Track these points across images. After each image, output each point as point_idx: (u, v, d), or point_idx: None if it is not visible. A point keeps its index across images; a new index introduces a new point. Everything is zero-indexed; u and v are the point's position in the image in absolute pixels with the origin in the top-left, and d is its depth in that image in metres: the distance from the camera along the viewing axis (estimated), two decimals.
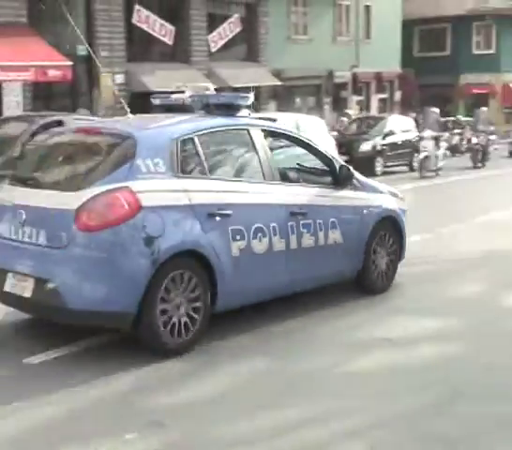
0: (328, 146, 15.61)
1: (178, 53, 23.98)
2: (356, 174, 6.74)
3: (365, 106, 32.03)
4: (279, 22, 26.81)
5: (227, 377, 4.91)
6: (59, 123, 9.31)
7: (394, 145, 20.75)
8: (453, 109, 39.95)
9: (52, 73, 17.68)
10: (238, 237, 5.49)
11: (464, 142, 25.98)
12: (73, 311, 4.91)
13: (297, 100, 28.51)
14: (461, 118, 26.51)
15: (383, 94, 33.35)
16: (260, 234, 5.65)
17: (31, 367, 5.01)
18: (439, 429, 4.11)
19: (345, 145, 19.53)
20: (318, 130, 16.11)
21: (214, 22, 24.74)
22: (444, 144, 20.81)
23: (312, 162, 6.78)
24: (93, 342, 5.48)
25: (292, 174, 6.60)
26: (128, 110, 6.55)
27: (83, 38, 17.29)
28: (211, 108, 6.10)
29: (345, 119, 25.08)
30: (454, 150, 26.02)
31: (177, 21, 23.51)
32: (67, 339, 5.48)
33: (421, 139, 19.95)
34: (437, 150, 19.74)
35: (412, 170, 20.81)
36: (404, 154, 21.06)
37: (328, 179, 6.61)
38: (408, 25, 35.95)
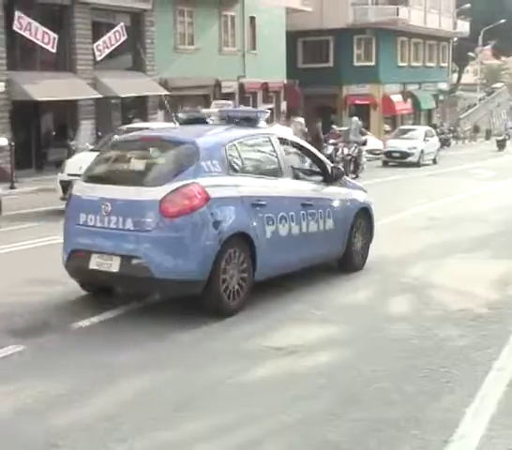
0: None
1: (62, 62, 23.56)
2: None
3: None
4: (166, 32, 26.83)
5: (120, 394, 4.90)
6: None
7: None
8: (337, 119, 41.13)
9: None
10: (270, 223, 7.05)
11: (339, 153, 25.36)
12: (158, 281, 6.29)
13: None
14: (337, 128, 27.12)
15: (269, 104, 33.92)
16: (283, 221, 7.23)
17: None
18: (333, 437, 4.24)
19: None
20: None
21: (99, 30, 24.46)
22: None
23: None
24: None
25: (298, 172, 7.93)
26: None
27: None
28: (233, 120, 7.66)
29: None
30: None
31: (61, 29, 23.10)
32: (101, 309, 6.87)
33: None
34: None
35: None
36: None
37: (319, 177, 8.14)
38: (292, 37, 36.76)
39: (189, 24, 28.18)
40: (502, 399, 4.82)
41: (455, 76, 64.96)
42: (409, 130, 31.77)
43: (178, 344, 5.96)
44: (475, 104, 62.75)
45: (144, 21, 26.00)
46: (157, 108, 26.28)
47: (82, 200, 6.81)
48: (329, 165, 8.28)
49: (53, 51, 22.65)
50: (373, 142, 31.23)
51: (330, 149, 26.55)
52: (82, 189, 6.91)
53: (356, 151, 22.56)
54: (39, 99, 21.51)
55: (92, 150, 15.95)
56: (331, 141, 26.26)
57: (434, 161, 30.40)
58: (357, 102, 41.20)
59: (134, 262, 6.35)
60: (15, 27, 21.64)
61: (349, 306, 7.26)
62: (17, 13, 21.65)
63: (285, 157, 7.60)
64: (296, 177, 7.76)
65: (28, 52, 22.65)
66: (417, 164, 28.57)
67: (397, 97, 43.38)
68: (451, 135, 48.35)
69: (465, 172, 26.02)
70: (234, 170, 6.90)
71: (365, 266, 8.86)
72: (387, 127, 41.16)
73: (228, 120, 7.69)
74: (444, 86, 53.55)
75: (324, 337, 6.19)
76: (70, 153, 20.14)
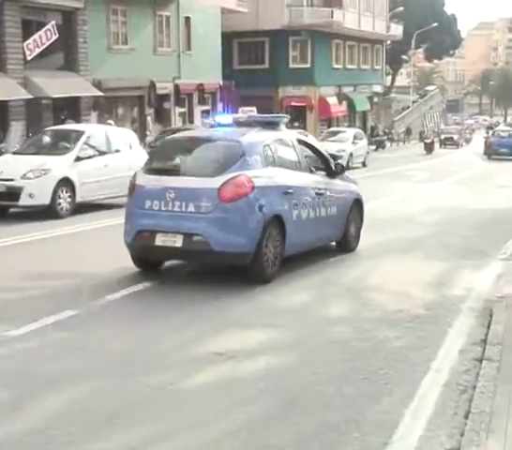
0: (140, 158, 15.47)
1: None
2: None
3: (187, 117, 32.36)
4: (99, 32, 26.51)
5: (50, 406, 4.81)
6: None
7: None
8: None
9: None
10: (295, 208, 8.70)
11: None
12: (216, 253, 7.85)
13: (120, 111, 28.31)
14: None
15: (205, 106, 33.86)
16: (304, 206, 8.90)
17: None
18: (275, 441, 4.26)
19: None
20: (128, 142, 16.01)
21: (29, 29, 23.99)
22: None
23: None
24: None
25: (311, 167, 9.54)
26: None
27: None
28: (256, 124, 9.32)
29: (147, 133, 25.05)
30: None
31: None
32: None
33: None
34: None
35: None
36: None
37: (323, 172, 9.77)
38: (228, 38, 36.78)
39: (123, 24, 27.93)
40: (438, 400, 4.93)
41: (389, 78, 66.13)
42: (337, 133, 31.70)
43: (115, 352, 5.90)
44: (409, 107, 63.99)
45: (77, 19, 25.62)
46: (90, 109, 25.94)
47: (147, 189, 8.23)
48: (332, 162, 10.05)
49: None
50: None
51: None
52: (145, 180, 8.33)
53: None
54: None
55: (15, 153, 15.62)
56: None
57: (364, 164, 30.42)
58: (294, 104, 41.49)
59: (195, 238, 7.92)
60: None
61: (288, 309, 7.31)
62: None
63: (302, 154, 9.40)
64: (310, 171, 9.51)
65: None
66: (347, 167, 28.84)
67: (332, 100, 43.86)
68: (386, 137, 49.16)
69: (400, 173, 26.50)
70: (269, 163, 8.55)
71: (301, 269, 9.00)
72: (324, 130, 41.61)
73: (255, 124, 9.38)
74: (378, 89, 54.44)
75: (265, 341, 6.23)
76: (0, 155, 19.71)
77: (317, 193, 9.26)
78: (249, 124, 9.37)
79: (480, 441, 4.13)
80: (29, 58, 23.88)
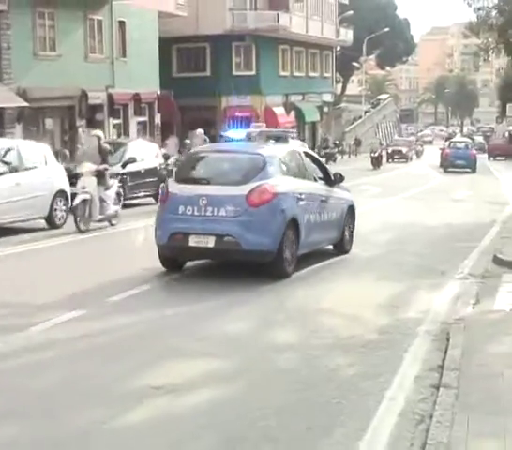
0: (57, 173, 15.26)
1: None
2: None
3: (123, 130, 32.23)
4: (24, 36, 26.27)
5: None
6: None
7: (136, 174, 19.82)
8: (217, 133, 41.43)
9: None
10: (306, 212, 10.50)
11: None
12: (245, 251, 9.60)
13: (47, 124, 28.04)
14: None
15: (142, 117, 33.80)
16: (312, 211, 10.73)
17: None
18: None
19: (77, 176, 18.59)
20: (43, 157, 15.52)
21: None
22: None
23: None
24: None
25: (315, 176, 11.51)
26: None
27: None
28: (267, 138, 12.26)
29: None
30: None
31: None
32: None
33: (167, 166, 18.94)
34: None
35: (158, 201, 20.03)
36: (149, 183, 20.26)
37: (322, 181, 11.63)
38: (166, 44, 36.82)
39: (51, 28, 27.73)
40: (393, 431, 5.00)
41: (339, 87, 67.11)
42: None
43: (39, 390, 5.83)
44: (361, 117, 64.95)
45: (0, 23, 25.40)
46: (14, 121, 25.60)
47: (180, 196, 9.98)
48: (331, 172, 12.00)
49: None
50: None
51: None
52: (178, 189, 10.10)
53: None
54: None
55: None
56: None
57: None
58: (238, 114, 41.71)
59: (226, 239, 9.62)
60: None
61: (233, 336, 7.33)
62: None
63: (309, 165, 11.42)
64: (315, 180, 11.43)
65: None
66: None
67: (279, 109, 44.24)
68: (336, 150, 49.55)
69: (352, 188, 26.78)
70: (284, 173, 10.44)
71: (250, 294, 9.10)
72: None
73: (265, 138, 12.20)
74: (328, 98, 55.16)
75: (207, 371, 6.22)
76: None
77: (321, 200, 11.22)
78: (261, 138, 12.05)
79: None
80: None
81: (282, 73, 46.22)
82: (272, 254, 9.73)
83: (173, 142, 30.38)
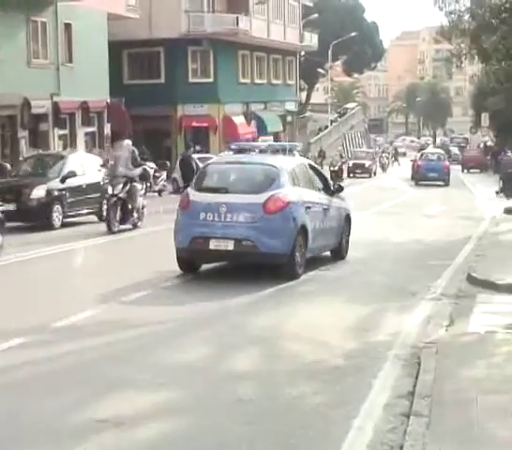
0: None
1: None
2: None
3: (69, 141, 32.07)
4: None
5: None
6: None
7: (77, 190, 19.37)
8: (172, 144, 41.43)
9: None
10: (313, 219, 12.23)
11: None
12: (261, 254, 11.28)
13: None
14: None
15: (90, 127, 33.68)
16: (317, 218, 12.50)
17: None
18: None
19: (12, 191, 18.33)
20: None
21: None
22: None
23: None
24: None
25: (318, 187, 13.25)
26: None
27: None
28: (274, 151, 13.84)
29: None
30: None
31: None
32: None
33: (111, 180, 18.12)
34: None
35: (102, 219, 19.01)
36: (91, 200, 19.85)
37: (322, 191, 13.32)
38: (116, 48, 36.82)
39: None
40: None
41: (304, 95, 67.65)
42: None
43: None
44: (327, 127, 65.45)
45: None
46: None
47: (200, 203, 11.64)
48: (331, 183, 13.99)
49: None
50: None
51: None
52: (198, 197, 11.77)
53: (127, 189, 17.90)
54: None
55: None
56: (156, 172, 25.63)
57: None
58: (194, 124, 41.79)
59: (244, 242, 11.30)
60: None
61: (188, 364, 7.31)
62: None
63: (313, 176, 13.29)
64: (318, 190, 13.13)
65: None
66: None
67: (239, 119, 44.41)
68: None
69: None
70: (294, 184, 12.15)
71: (204, 317, 9.14)
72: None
73: (274, 151, 13.78)
74: (291, 106, 55.54)
75: (158, 403, 6.19)
76: None
77: (324, 208, 12.97)
78: (267, 151, 13.71)
79: None
80: None
81: (242, 80, 46.46)
82: (286, 257, 11.46)
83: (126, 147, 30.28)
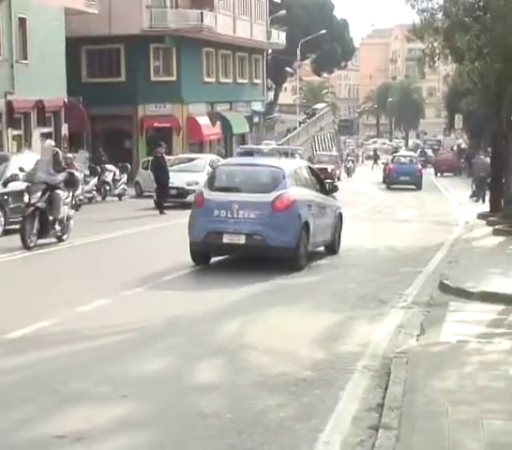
0: None
1: None
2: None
3: (24, 142, 31.86)
4: None
5: None
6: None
7: (21, 195, 17.55)
8: (133, 146, 41.31)
9: None
10: (313, 217, 13.99)
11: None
12: (270, 247, 13.09)
13: None
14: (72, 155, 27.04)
15: (46, 127, 33.47)
16: (316, 216, 14.25)
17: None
18: None
19: None
20: None
21: None
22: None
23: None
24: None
25: (316, 187, 15.20)
26: None
27: None
28: (278, 154, 20.61)
29: None
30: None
31: None
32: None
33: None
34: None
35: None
36: None
37: (319, 191, 15.30)
38: (74, 45, 36.68)
39: None
40: None
41: (271, 95, 67.85)
42: (190, 160, 29.49)
43: None
44: (296, 128, 65.66)
45: None
46: None
47: (214, 201, 13.45)
48: (326, 183, 16.08)
49: None
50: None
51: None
52: (212, 196, 13.57)
53: (47, 198, 16.30)
54: None
55: None
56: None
57: None
58: (157, 125, 41.70)
59: (255, 237, 13.15)
60: None
61: (147, 377, 7.30)
62: None
63: (312, 177, 15.15)
64: (316, 190, 15.02)
65: None
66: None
67: (204, 120, 44.41)
68: None
69: None
70: (297, 184, 14.04)
71: (162, 329, 9.15)
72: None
73: (274, 154, 18.27)
74: (258, 107, 55.68)
75: (118, 417, 6.18)
76: None
77: (321, 207, 14.84)
78: (272, 154, 15.83)
79: None
80: None
81: (207, 79, 46.49)
82: (292, 250, 13.25)
83: (81, 156, 30.20)
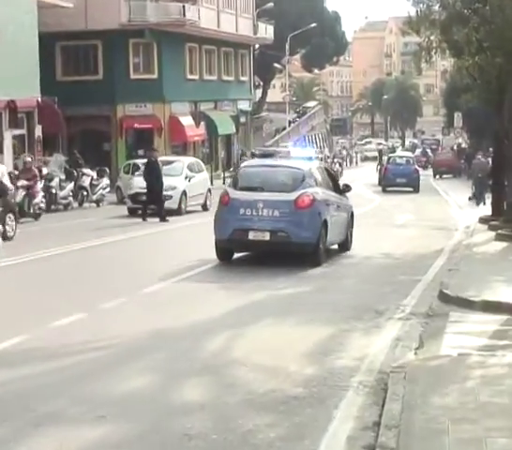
0: None
1: None
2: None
3: None
4: None
5: None
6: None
7: None
8: (112, 148, 41.26)
9: None
10: (330, 215, 15.90)
11: None
12: (293, 243, 14.96)
13: None
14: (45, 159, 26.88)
15: (18, 129, 33.36)
16: (333, 214, 16.12)
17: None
18: None
19: None
20: None
21: None
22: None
23: None
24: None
25: (331, 187, 16.95)
26: None
27: None
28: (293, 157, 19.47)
29: None
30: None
31: None
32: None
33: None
34: None
35: (6, 238, 18.13)
36: None
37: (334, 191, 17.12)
38: (48, 40, 36.58)
39: None
40: None
41: (259, 93, 67.87)
42: (167, 163, 28.04)
43: None
44: (285, 128, 65.73)
45: None
46: None
47: (240, 200, 15.12)
48: (340, 183, 17.97)
49: None
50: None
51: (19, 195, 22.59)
52: (237, 195, 15.27)
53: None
54: None
55: None
56: (22, 182, 23.98)
57: (205, 207, 28.28)
58: (137, 126, 41.67)
59: (279, 233, 14.81)
60: None
61: (128, 396, 7.27)
62: None
63: (327, 178, 16.93)
64: (332, 190, 16.71)
65: None
66: (178, 211, 26.41)
67: (187, 120, 44.37)
68: None
69: None
70: (316, 184, 15.71)
71: (144, 344, 9.14)
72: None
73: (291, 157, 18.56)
74: (245, 106, 55.70)
75: (96, 440, 6.15)
76: None
77: (337, 206, 16.56)
78: (288, 157, 17.99)
79: None
80: None
81: (190, 76, 46.49)
82: (313, 246, 14.90)
83: (56, 159, 30.07)
